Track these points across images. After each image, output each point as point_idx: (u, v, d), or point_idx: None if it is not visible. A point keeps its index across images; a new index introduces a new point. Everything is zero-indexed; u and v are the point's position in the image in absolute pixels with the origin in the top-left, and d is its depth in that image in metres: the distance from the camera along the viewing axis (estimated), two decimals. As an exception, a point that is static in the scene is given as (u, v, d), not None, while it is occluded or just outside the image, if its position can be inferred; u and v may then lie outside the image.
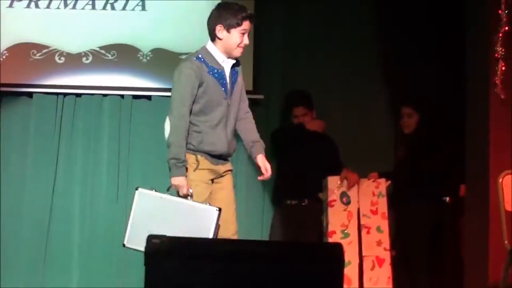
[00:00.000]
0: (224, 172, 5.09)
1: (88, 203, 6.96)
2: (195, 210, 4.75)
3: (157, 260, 3.95)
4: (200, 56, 4.96)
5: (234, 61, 5.00)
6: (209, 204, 4.75)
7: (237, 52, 4.97)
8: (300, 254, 4.12)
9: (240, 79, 5.11)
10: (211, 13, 5.03)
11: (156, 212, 4.75)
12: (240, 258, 4.08)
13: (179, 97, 4.89)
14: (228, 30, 4.91)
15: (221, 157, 5.03)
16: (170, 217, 4.71)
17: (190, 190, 4.79)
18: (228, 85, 4.98)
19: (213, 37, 4.97)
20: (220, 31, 4.92)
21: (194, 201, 4.80)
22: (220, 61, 4.96)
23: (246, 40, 4.94)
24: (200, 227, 4.68)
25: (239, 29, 4.91)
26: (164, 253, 3.97)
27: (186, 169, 4.82)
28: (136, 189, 4.80)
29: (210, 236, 4.66)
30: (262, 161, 5.08)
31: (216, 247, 4.11)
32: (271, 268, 4.09)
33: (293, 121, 6.77)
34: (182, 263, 3.98)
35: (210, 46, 4.99)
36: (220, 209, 4.72)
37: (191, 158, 4.89)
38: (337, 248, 4.21)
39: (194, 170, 4.90)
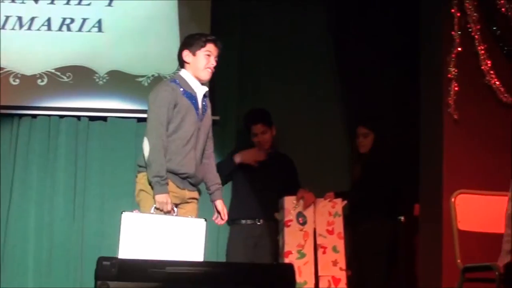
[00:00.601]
0: (190, 198, 5.16)
1: (44, 225, 6.92)
2: (184, 223, 4.84)
3: (108, 282, 3.96)
4: (175, 80, 5.12)
5: (206, 89, 5.17)
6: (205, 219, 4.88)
7: (205, 75, 5.16)
8: (252, 275, 4.14)
9: (209, 113, 5.26)
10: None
11: (145, 232, 4.78)
12: (192, 279, 4.09)
13: (156, 117, 5.03)
14: (193, 53, 5.12)
15: (189, 181, 5.10)
16: (160, 235, 4.76)
17: (175, 208, 4.94)
18: (200, 110, 5.11)
19: (182, 63, 5.18)
20: (186, 55, 5.13)
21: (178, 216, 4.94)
22: (193, 86, 5.10)
23: (212, 62, 5.10)
24: (191, 239, 4.79)
25: (203, 50, 5.12)
26: (114, 275, 3.98)
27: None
28: (122, 213, 4.79)
29: (202, 246, 4.79)
30: (221, 206, 5.34)
31: (168, 268, 4.12)
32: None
33: (253, 139, 6.75)
34: (134, 285, 3.99)
35: (183, 72, 5.20)
36: (206, 220, 4.85)
37: None
38: (289, 269, 4.24)
39: None
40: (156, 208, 4.92)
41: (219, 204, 5.34)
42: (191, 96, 5.10)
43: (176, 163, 5.02)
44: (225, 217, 5.38)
